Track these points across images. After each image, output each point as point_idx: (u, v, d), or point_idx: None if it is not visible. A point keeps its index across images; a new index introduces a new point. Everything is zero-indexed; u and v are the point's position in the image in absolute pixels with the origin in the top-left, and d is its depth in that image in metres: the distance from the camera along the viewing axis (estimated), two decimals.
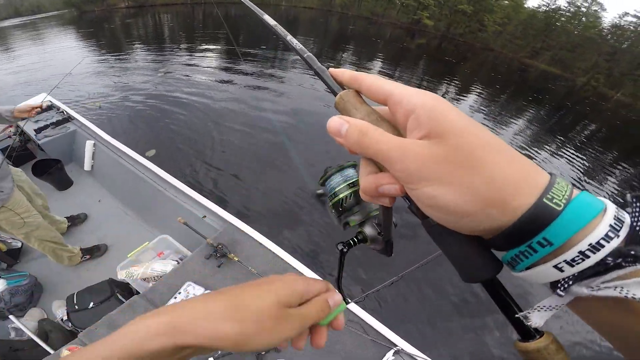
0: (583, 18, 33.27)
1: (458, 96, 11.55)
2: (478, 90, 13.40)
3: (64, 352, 1.38)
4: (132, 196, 2.82)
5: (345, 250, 0.36)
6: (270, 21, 0.39)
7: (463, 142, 0.20)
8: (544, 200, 0.19)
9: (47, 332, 1.81)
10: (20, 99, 3.46)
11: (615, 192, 6.84)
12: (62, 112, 3.30)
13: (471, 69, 19.54)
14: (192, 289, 1.69)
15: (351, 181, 0.37)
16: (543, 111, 12.81)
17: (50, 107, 3.33)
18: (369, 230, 0.35)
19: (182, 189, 2.37)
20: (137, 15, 27.30)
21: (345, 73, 0.29)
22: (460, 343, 2.73)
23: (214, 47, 12.07)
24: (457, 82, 13.98)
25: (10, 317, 1.75)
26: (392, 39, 26.58)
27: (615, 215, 0.19)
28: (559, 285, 0.21)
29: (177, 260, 2.01)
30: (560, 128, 10.96)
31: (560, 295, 0.21)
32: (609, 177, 7.72)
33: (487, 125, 8.81)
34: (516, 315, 0.24)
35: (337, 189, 0.37)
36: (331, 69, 0.31)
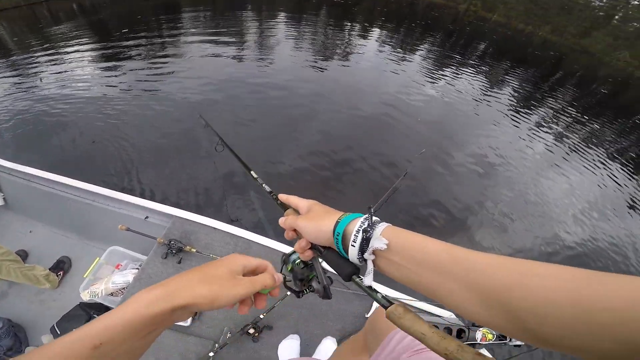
0: None
1: (362, 40, 11.78)
2: (377, 29, 13.90)
3: None
4: (64, 218, 2.52)
5: (300, 296, 0.63)
6: (255, 175, 0.78)
7: (316, 210, 0.53)
8: (337, 219, 0.47)
9: None
10: None
11: (514, 94, 7.98)
12: None
13: (366, 9, 19.95)
14: None
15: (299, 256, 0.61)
16: (438, 38, 13.94)
17: None
18: (315, 284, 0.61)
19: (113, 196, 2.12)
20: None
21: (282, 197, 0.62)
22: None
23: (84, 41, 10.01)
24: (356, 25, 14.24)
25: None
26: None
27: (365, 216, 0.45)
28: (359, 257, 0.44)
29: (137, 268, 1.98)
30: (457, 50, 12.15)
31: (365, 260, 0.43)
32: (506, 81, 9.06)
33: (392, 60, 9.44)
34: (356, 278, 0.46)
35: (294, 260, 0.66)
36: (280, 194, 0.63)
